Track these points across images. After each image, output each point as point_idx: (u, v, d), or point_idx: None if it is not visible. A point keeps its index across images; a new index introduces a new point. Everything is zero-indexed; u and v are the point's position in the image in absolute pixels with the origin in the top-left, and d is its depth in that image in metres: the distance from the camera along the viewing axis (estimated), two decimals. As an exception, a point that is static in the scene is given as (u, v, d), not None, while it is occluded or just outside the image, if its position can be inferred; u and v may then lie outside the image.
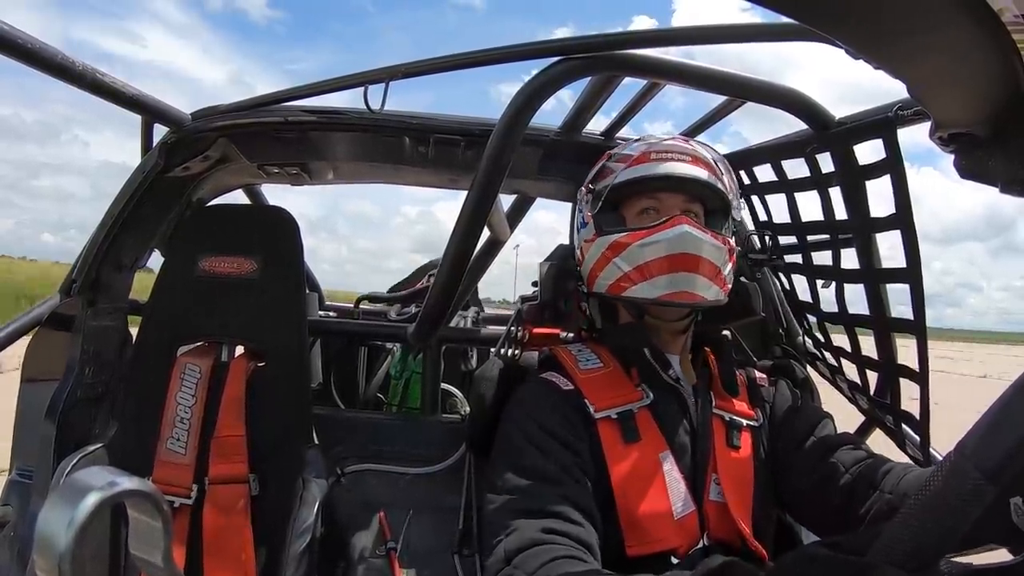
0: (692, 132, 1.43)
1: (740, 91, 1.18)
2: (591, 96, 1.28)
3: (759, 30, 1.03)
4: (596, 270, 1.11)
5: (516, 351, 1.28)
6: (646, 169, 1.08)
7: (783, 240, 1.41)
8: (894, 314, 1.12)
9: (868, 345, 1.22)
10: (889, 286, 1.12)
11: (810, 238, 1.31)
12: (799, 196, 1.30)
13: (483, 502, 1.01)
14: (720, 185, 1.09)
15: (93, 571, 1.21)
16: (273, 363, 1.40)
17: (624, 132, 1.48)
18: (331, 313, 2.54)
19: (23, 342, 1.48)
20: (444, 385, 1.96)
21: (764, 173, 1.37)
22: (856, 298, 1.20)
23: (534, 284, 1.28)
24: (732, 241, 1.11)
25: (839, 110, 1.16)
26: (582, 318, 1.21)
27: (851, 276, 1.19)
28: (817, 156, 1.18)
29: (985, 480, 0.45)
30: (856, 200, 1.11)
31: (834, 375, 1.38)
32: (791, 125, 1.24)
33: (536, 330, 1.28)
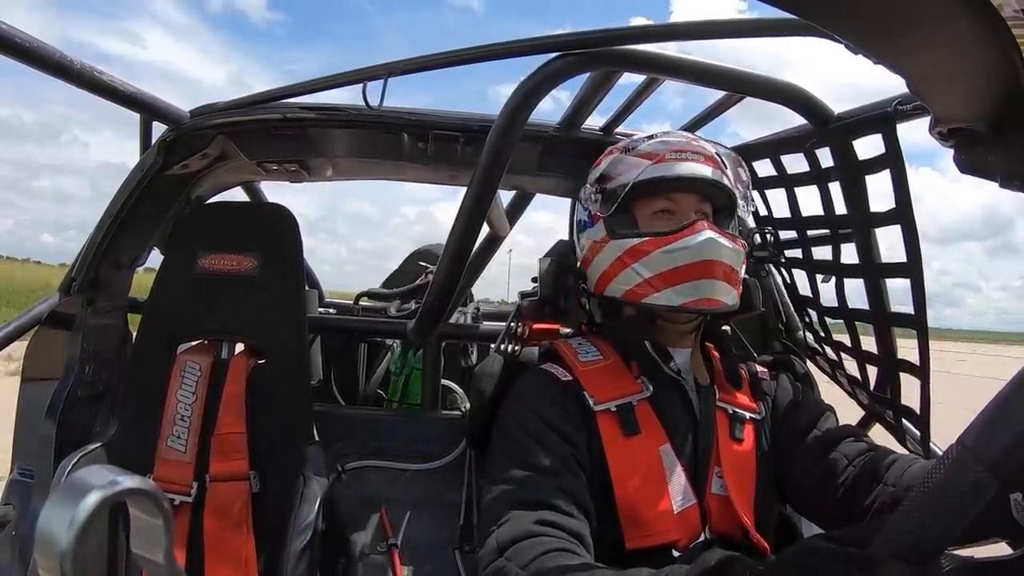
0: (691, 128, 1.43)
1: (739, 86, 1.18)
2: (590, 92, 1.28)
3: (759, 25, 1.03)
4: (610, 274, 1.10)
5: (516, 347, 1.28)
6: (661, 170, 1.07)
7: (783, 235, 1.41)
8: (895, 311, 1.12)
9: (868, 341, 1.22)
10: (889, 284, 1.12)
11: (810, 233, 1.31)
12: (799, 191, 1.30)
13: (480, 489, 1.01)
14: (727, 182, 1.09)
15: (94, 570, 1.21)
16: (273, 360, 1.40)
17: (623, 128, 1.47)
18: (331, 310, 2.54)
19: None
20: (444, 381, 1.96)
21: (764, 168, 1.37)
22: (856, 293, 1.20)
23: (534, 280, 1.28)
24: (743, 241, 1.11)
25: (835, 109, 1.16)
26: (582, 313, 1.21)
27: (851, 271, 1.19)
28: (817, 151, 1.18)
29: (987, 473, 0.45)
30: (856, 195, 1.11)
31: (834, 370, 1.38)
32: (789, 125, 1.24)
33: (536, 326, 1.28)
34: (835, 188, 1.16)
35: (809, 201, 1.27)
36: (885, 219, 1.06)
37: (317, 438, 1.37)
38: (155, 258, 1.54)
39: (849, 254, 1.18)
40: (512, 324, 1.29)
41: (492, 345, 1.41)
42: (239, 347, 1.44)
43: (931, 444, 1.09)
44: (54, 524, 0.39)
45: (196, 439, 1.30)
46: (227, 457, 1.29)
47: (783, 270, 1.47)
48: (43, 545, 0.39)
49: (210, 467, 1.29)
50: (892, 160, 1.01)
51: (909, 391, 1.12)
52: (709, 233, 1.01)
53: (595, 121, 1.47)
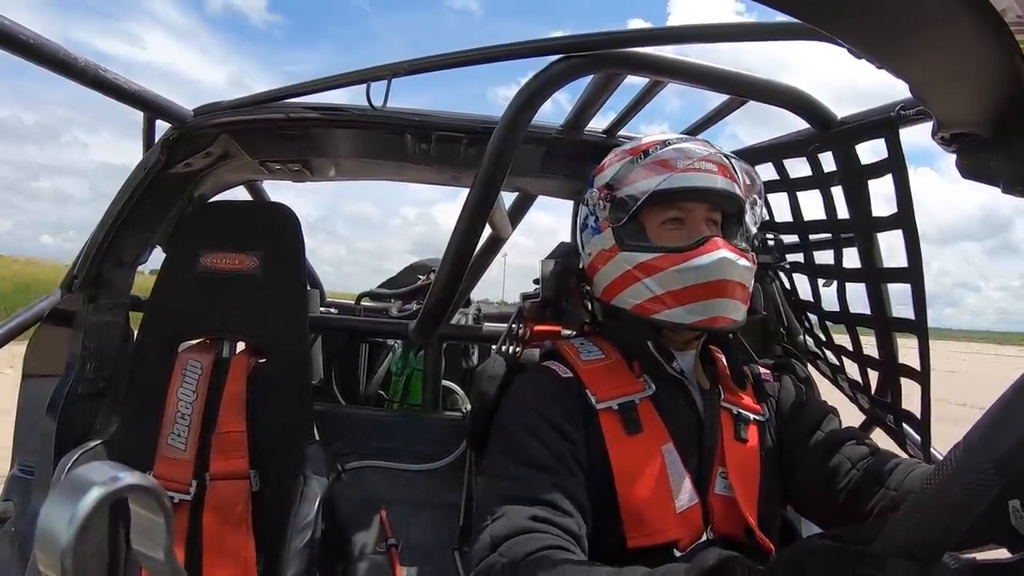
0: (693, 131, 1.42)
1: (742, 90, 1.18)
2: (593, 94, 1.28)
3: (764, 29, 1.03)
4: (618, 286, 1.08)
5: (517, 348, 1.28)
6: (678, 181, 1.05)
7: (785, 239, 1.41)
8: (896, 316, 1.12)
9: (868, 343, 1.22)
10: (890, 287, 1.12)
11: (812, 237, 1.31)
12: (801, 195, 1.30)
13: (477, 485, 1.01)
14: (738, 191, 1.08)
15: (95, 566, 1.21)
16: (274, 359, 1.40)
17: (625, 131, 1.47)
18: (332, 310, 2.54)
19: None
20: (445, 382, 1.96)
21: (766, 172, 1.37)
22: (857, 298, 1.20)
23: (536, 282, 1.28)
24: (754, 255, 1.10)
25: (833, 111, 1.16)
26: (584, 314, 1.21)
27: (853, 275, 1.19)
28: (819, 155, 1.18)
29: (993, 471, 0.45)
30: (858, 199, 1.11)
31: (835, 374, 1.38)
32: (788, 128, 1.24)
33: (537, 327, 1.28)
34: (837, 192, 1.16)
35: (811, 205, 1.27)
36: (887, 224, 1.06)
37: (318, 438, 1.38)
38: (157, 257, 1.55)
39: (851, 258, 1.18)
40: (514, 325, 1.29)
41: (493, 346, 1.41)
42: (240, 346, 1.45)
43: (931, 449, 1.09)
44: (55, 520, 0.39)
45: (196, 437, 1.30)
46: (227, 456, 1.30)
47: (784, 274, 1.47)
48: (43, 541, 0.39)
49: (210, 465, 1.29)
50: (895, 165, 1.01)
51: (909, 395, 1.12)
52: (723, 252, 1.00)
53: (598, 123, 1.47)
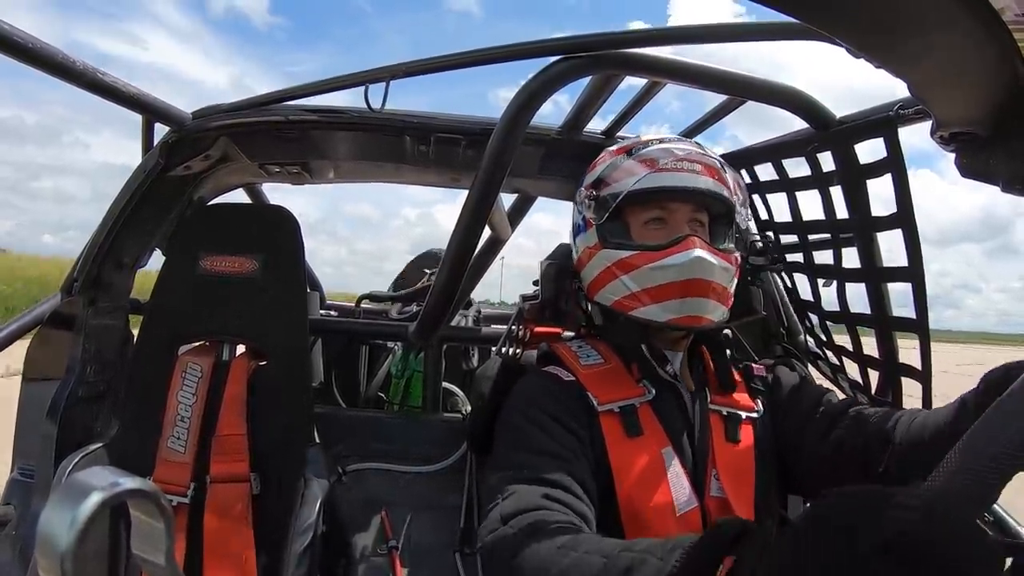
0: (691, 132, 1.42)
1: (741, 90, 1.18)
2: (592, 95, 1.28)
3: (763, 29, 1.03)
4: (600, 282, 1.10)
5: (517, 350, 1.28)
6: (659, 180, 1.05)
7: (784, 239, 1.41)
8: (896, 315, 1.12)
9: (869, 346, 1.22)
10: (891, 288, 1.12)
11: (811, 237, 1.31)
12: (800, 195, 1.30)
13: (483, 481, 1.00)
14: (726, 192, 1.08)
15: (95, 571, 1.21)
16: (274, 362, 1.40)
17: (624, 132, 1.47)
18: (332, 312, 2.55)
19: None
20: (445, 384, 1.97)
21: (765, 172, 1.37)
22: (857, 298, 1.20)
23: (535, 283, 1.28)
24: (736, 255, 1.10)
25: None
26: (582, 316, 1.21)
27: (852, 275, 1.19)
28: (818, 155, 1.18)
29: None
30: (857, 199, 1.11)
31: (835, 374, 1.38)
32: (787, 129, 1.24)
33: (537, 329, 1.28)
34: (836, 192, 1.16)
35: (810, 205, 1.27)
36: (886, 223, 1.06)
37: (318, 440, 1.37)
38: (157, 259, 1.55)
39: (850, 258, 1.18)
40: (513, 327, 1.30)
41: (493, 348, 1.41)
42: (240, 349, 1.45)
43: None
44: (55, 525, 0.39)
45: (195, 440, 1.30)
46: (228, 458, 1.29)
47: (784, 274, 1.47)
48: (44, 546, 0.39)
49: (211, 468, 1.29)
50: (894, 164, 1.01)
51: (910, 394, 1.12)
52: (699, 252, 1.01)
53: (597, 125, 1.47)
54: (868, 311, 1.16)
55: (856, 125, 1.09)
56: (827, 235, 1.25)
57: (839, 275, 1.24)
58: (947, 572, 0.39)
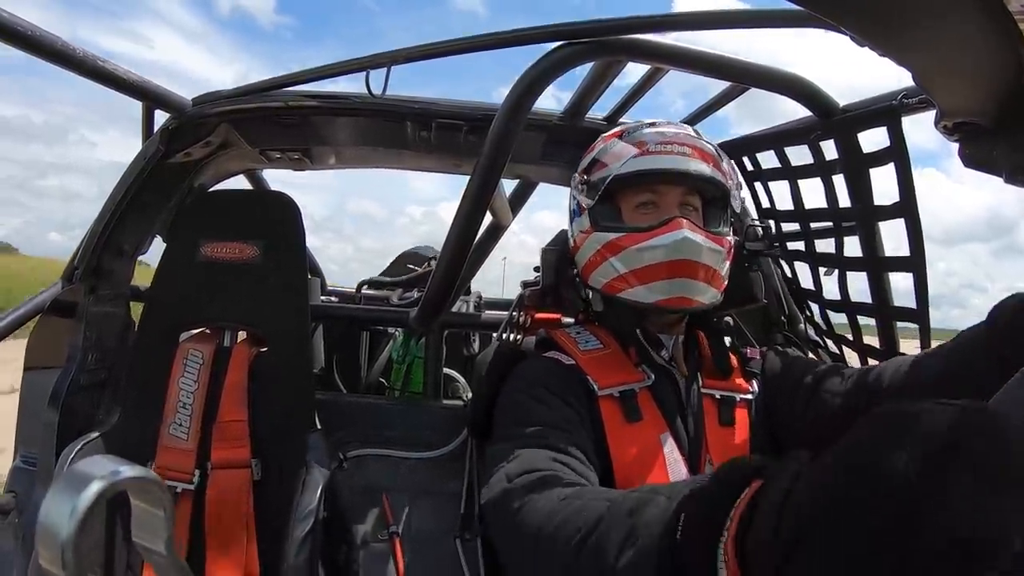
0: (693, 119, 1.41)
1: (743, 77, 1.17)
2: (594, 81, 1.27)
3: (765, 16, 1.02)
4: (591, 266, 1.10)
5: (518, 336, 1.28)
6: (645, 163, 1.05)
7: (786, 227, 1.41)
8: (897, 305, 1.12)
9: (870, 335, 1.22)
10: (896, 283, 1.12)
11: (813, 225, 1.31)
12: (803, 183, 1.29)
13: (485, 458, 0.99)
14: (719, 176, 1.07)
15: (95, 559, 1.22)
16: (275, 348, 1.40)
17: (626, 118, 1.47)
18: (333, 298, 2.55)
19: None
20: (446, 370, 1.97)
21: (767, 160, 1.37)
22: (858, 288, 1.20)
23: (536, 270, 1.28)
24: (730, 238, 1.09)
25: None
26: (581, 302, 1.21)
27: (854, 264, 1.19)
28: (821, 143, 1.17)
29: None
30: (860, 188, 1.10)
31: (836, 363, 1.38)
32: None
33: (538, 315, 1.28)
34: (839, 181, 1.16)
35: (813, 194, 1.26)
36: (889, 212, 1.05)
37: (319, 426, 1.38)
38: (157, 247, 1.55)
39: (852, 247, 1.18)
40: (514, 313, 1.30)
41: (494, 334, 1.41)
42: (241, 335, 1.45)
43: None
44: (55, 514, 0.39)
45: (198, 426, 1.31)
46: (229, 445, 1.30)
47: (785, 262, 1.47)
48: (44, 535, 0.39)
49: (212, 454, 1.29)
50: (897, 153, 1.00)
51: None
52: (685, 232, 1.00)
53: (599, 111, 1.46)
54: (869, 300, 1.16)
55: (859, 114, 1.08)
56: (829, 223, 1.25)
57: (840, 264, 1.24)
58: (1016, 479, 0.33)
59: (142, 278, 1.58)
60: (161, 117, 1.41)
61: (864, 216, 1.12)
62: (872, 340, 1.21)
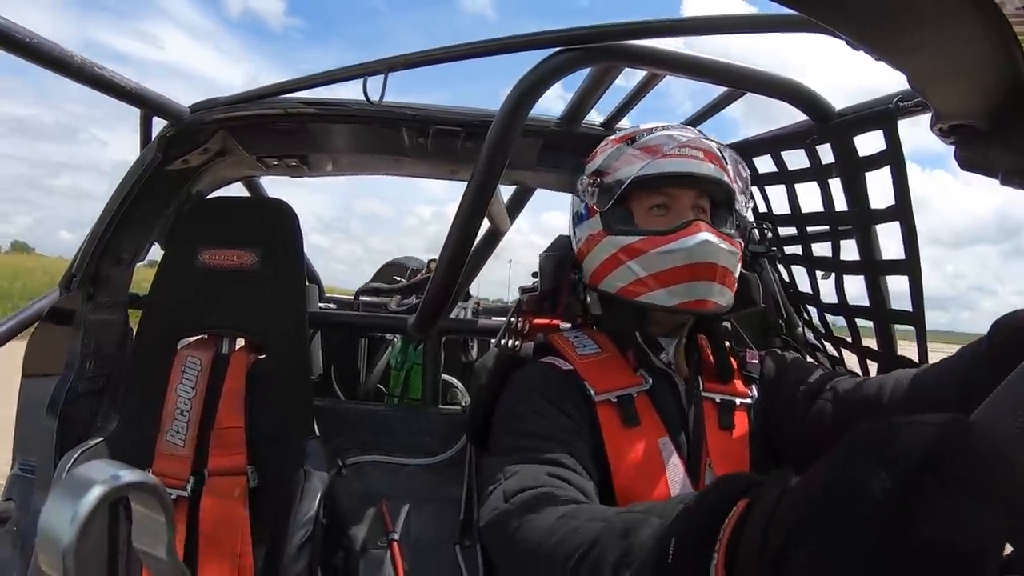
0: (693, 123, 1.42)
1: (740, 82, 1.18)
2: (590, 87, 1.27)
3: (760, 21, 1.02)
4: (605, 269, 1.10)
5: (516, 342, 1.28)
6: (659, 166, 1.06)
7: (783, 231, 1.41)
8: (894, 308, 1.12)
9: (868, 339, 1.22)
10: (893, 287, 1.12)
11: (810, 229, 1.31)
12: (799, 187, 1.30)
13: (482, 468, 0.99)
14: (726, 179, 1.08)
15: (96, 565, 1.22)
16: (273, 355, 1.40)
17: (623, 123, 1.47)
18: (331, 305, 2.54)
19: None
20: (445, 376, 1.97)
21: (764, 164, 1.37)
22: (857, 290, 1.20)
23: (534, 275, 1.28)
24: (740, 241, 1.10)
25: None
26: (579, 307, 1.21)
27: (851, 267, 1.19)
28: (817, 147, 1.18)
29: None
30: (856, 192, 1.11)
31: (834, 366, 1.38)
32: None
33: (536, 321, 1.28)
34: (835, 184, 1.16)
35: (809, 197, 1.27)
36: (885, 216, 1.06)
37: (318, 433, 1.38)
38: (155, 253, 1.55)
39: (849, 251, 1.18)
40: (512, 319, 1.30)
41: (492, 340, 1.41)
42: (240, 342, 1.45)
43: None
44: (56, 520, 0.39)
45: (195, 433, 1.30)
46: (226, 451, 1.30)
47: (782, 266, 1.47)
48: (45, 541, 0.39)
49: (208, 461, 1.29)
50: (893, 157, 1.01)
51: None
52: (705, 235, 1.01)
53: (596, 116, 1.47)
54: (866, 303, 1.16)
55: (855, 117, 1.09)
56: (826, 227, 1.25)
57: (837, 267, 1.24)
58: (997, 490, 0.34)
59: (142, 278, 1.58)
60: (159, 124, 1.41)
61: (860, 220, 1.13)
62: (870, 342, 1.21)
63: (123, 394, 1.38)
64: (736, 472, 0.54)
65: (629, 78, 1.27)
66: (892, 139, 1.00)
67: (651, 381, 1.05)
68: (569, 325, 1.27)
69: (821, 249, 1.29)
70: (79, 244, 1.47)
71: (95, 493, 0.40)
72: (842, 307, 1.26)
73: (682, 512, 0.53)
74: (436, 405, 1.78)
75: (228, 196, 1.70)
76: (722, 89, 1.29)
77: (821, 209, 1.23)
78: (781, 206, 1.37)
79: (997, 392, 0.41)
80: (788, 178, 1.31)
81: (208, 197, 1.66)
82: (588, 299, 1.17)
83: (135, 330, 1.48)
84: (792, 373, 1.11)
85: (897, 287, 1.11)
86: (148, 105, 1.33)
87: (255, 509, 1.28)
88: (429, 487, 1.52)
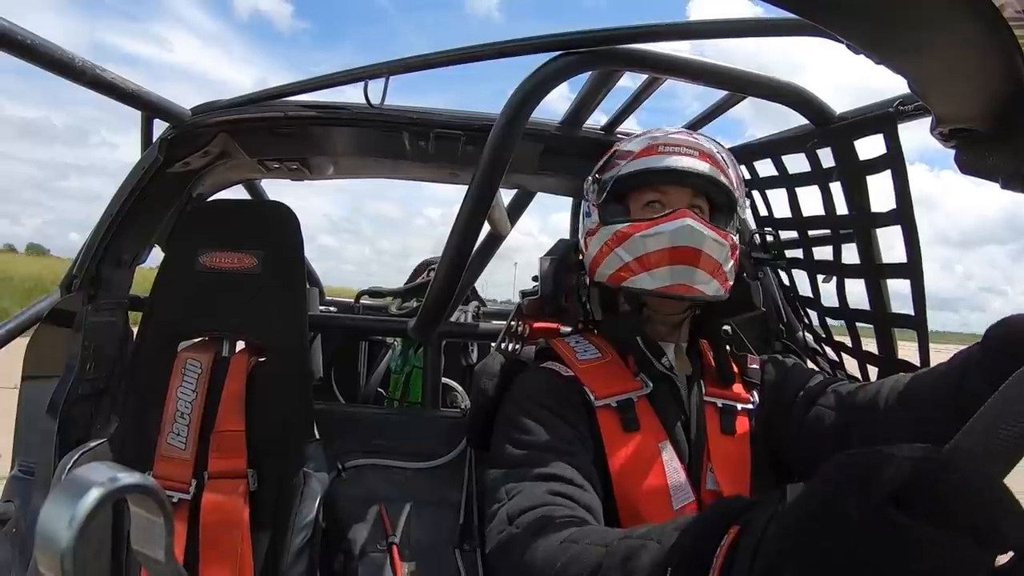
0: (694, 126, 1.42)
1: (740, 86, 1.18)
2: (591, 91, 1.28)
3: (760, 26, 1.02)
4: (598, 259, 1.11)
5: (516, 346, 1.28)
6: (651, 162, 1.07)
7: (784, 235, 1.41)
8: (895, 312, 1.12)
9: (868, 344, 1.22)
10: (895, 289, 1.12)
11: (811, 233, 1.31)
12: (800, 191, 1.30)
13: (484, 478, 1.00)
14: (724, 180, 1.08)
15: (94, 567, 1.21)
16: (274, 358, 1.40)
17: (624, 127, 1.47)
18: (332, 308, 2.54)
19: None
20: (445, 380, 1.96)
21: (765, 168, 1.37)
22: (857, 295, 1.20)
23: (534, 279, 1.28)
24: (735, 238, 1.10)
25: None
26: (580, 311, 1.21)
27: (852, 271, 1.19)
28: (818, 151, 1.18)
29: None
30: (857, 195, 1.11)
31: (835, 370, 1.38)
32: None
33: (536, 324, 1.28)
34: (836, 188, 1.16)
35: (810, 201, 1.27)
36: (886, 219, 1.06)
37: (318, 436, 1.37)
38: (156, 256, 1.55)
39: (850, 254, 1.18)
40: (513, 323, 1.30)
41: (493, 344, 1.40)
42: (240, 345, 1.44)
43: None
44: (55, 522, 0.39)
45: (195, 436, 1.30)
46: (226, 455, 1.29)
47: (783, 270, 1.47)
48: (44, 543, 0.39)
49: (208, 464, 1.29)
50: (893, 160, 1.01)
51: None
52: (688, 220, 1.01)
53: (597, 120, 1.47)
54: (867, 308, 1.16)
55: (856, 121, 1.09)
56: (827, 231, 1.25)
57: (838, 271, 1.24)
58: (963, 523, 0.35)
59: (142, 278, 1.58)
60: (160, 127, 1.41)
61: (861, 223, 1.13)
62: (871, 346, 1.21)
63: (123, 396, 1.38)
64: (730, 497, 0.57)
65: (633, 80, 1.27)
66: (893, 142, 1.00)
67: (652, 385, 1.05)
68: (570, 329, 1.27)
69: (822, 253, 1.29)
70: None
71: (94, 495, 0.40)
72: (843, 311, 1.26)
73: (678, 540, 0.56)
74: (436, 409, 1.78)
75: (229, 199, 1.71)
76: (722, 92, 1.29)
77: (822, 213, 1.23)
78: (782, 210, 1.37)
79: (980, 413, 0.41)
80: (789, 182, 1.31)
81: (209, 199, 1.67)
82: (589, 304, 1.17)
83: (135, 332, 1.48)
84: (792, 378, 1.12)
85: (901, 289, 1.11)
86: (149, 107, 1.33)
87: (255, 512, 1.28)
88: (429, 491, 1.52)
